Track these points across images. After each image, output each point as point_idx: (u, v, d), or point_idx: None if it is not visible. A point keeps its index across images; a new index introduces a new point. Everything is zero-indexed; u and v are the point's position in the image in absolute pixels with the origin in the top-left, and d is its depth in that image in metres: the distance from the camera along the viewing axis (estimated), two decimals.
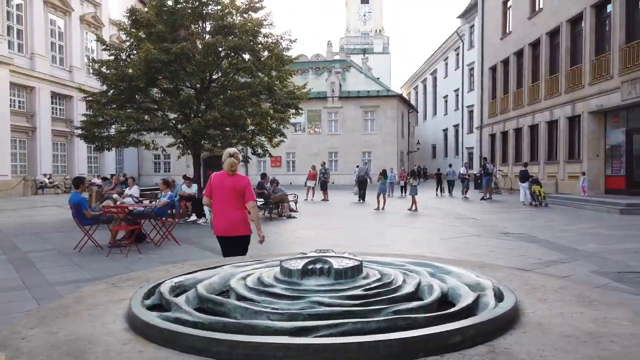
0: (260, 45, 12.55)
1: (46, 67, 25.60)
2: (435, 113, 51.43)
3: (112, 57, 12.95)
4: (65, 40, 27.36)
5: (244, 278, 1.86)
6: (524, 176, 17.19)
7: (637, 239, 9.31)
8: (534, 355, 1.28)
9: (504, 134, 26.23)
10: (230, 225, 4.57)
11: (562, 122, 20.16)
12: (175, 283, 1.81)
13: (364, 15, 64.96)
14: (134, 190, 11.83)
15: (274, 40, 12.89)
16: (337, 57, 43.29)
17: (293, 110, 14.53)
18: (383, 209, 16.23)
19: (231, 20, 12.27)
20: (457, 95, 42.98)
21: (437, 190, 24.48)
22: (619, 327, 1.49)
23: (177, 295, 1.70)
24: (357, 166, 25.76)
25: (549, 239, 9.12)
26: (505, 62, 25.78)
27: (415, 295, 1.67)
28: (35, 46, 24.80)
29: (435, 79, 50.94)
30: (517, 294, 1.79)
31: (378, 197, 16.57)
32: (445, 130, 47.35)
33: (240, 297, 1.61)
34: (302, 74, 40.94)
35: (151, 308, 1.63)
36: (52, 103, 26.44)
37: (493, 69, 27.54)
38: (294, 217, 13.57)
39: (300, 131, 38.73)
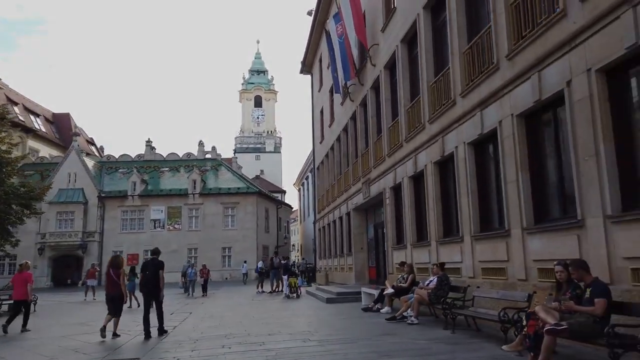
0: None
1: None
2: (315, 208, 53.79)
3: None
4: None
5: None
6: (285, 269, 18.39)
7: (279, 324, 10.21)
8: None
9: (323, 229, 28.05)
10: (21, 296, 10.70)
11: (344, 218, 22.14)
12: None
13: (257, 118, 69.06)
14: None
15: None
16: (208, 156, 45.20)
17: (21, 210, 15.08)
18: (138, 306, 16.43)
19: None
20: None
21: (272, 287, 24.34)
22: None
23: None
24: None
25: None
26: (322, 163, 28.42)
27: None
28: None
29: (314, 176, 54.05)
30: None
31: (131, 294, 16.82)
32: None
33: None
34: (171, 171, 42.21)
35: None
36: None
37: (318, 169, 30.15)
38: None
39: (159, 228, 38.89)
